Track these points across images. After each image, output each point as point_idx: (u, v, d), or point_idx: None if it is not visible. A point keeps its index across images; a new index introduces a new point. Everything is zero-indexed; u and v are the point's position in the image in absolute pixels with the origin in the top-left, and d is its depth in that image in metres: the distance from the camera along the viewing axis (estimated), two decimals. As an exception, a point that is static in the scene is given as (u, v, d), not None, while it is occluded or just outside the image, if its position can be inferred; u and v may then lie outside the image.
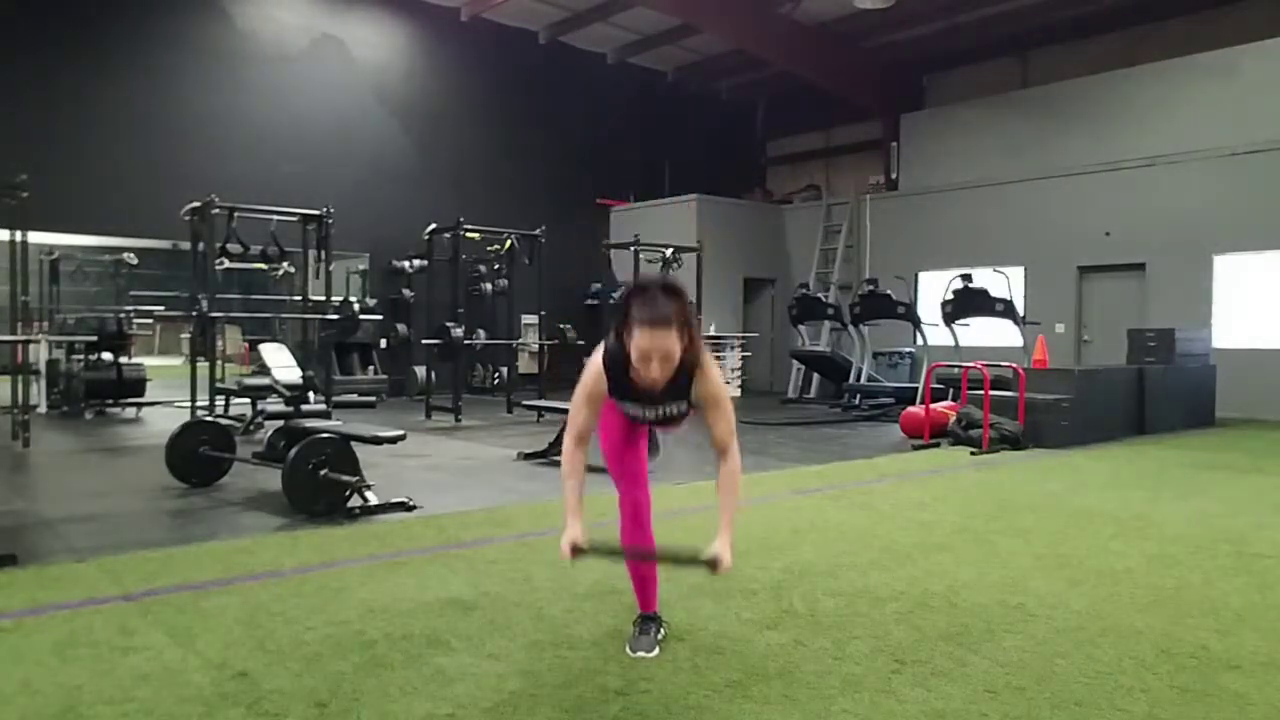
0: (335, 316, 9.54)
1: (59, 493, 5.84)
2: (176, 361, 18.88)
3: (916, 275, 14.51)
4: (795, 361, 14.61)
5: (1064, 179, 13.32)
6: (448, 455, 7.66)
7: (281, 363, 7.05)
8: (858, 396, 12.01)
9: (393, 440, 5.18)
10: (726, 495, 2.66)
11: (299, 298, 10.09)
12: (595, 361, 2.65)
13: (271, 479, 5.60)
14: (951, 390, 10.03)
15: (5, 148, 10.51)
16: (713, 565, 2.52)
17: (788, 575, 3.84)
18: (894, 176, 16.18)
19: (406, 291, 14.02)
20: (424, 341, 11.29)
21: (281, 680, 2.65)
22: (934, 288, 13.06)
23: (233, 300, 15.71)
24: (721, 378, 2.69)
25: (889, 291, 11.77)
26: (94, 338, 10.83)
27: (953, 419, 8.62)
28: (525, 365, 14.53)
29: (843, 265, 15.85)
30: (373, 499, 5.12)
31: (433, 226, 11.20)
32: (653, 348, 2.44)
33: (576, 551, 2.53)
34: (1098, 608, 3.42)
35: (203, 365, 9.08)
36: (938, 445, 8.38)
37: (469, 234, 10.99)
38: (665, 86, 17.65)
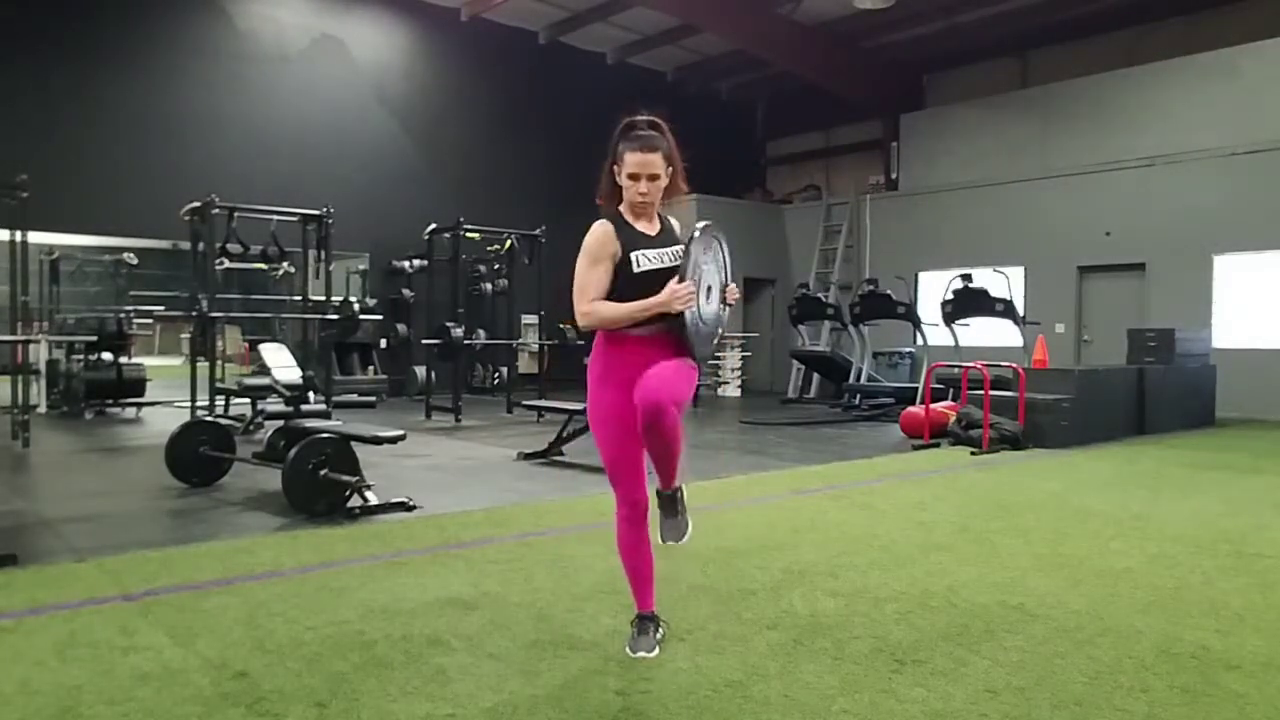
0: (335, 316, 9.53)
1: (59, 493, 5.84)
2: (176, 361, 18.89)
3: (916, 275, 14.51)
4: (795, 361, 14.61)
5: (1064, 179, 13.33)
6: (448, 455, 7.66)
7: (281, 363, 7.05)
8: (858, 396, 12.00)
9: (393, 440, 5.18)
10: None
11: (299, 298, 10.10)
12: (594, 229, 2.83)
13: (271, 479, 5.60)
14: (951, 390, 10.03)
15: (5, 148, 10.51)
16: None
17: (788, 575, 3.84)
18: (894, 176, 16.18)
19: (406, 291, 14.03)
20: (424, 341, 11.29)
21: (281, 680, 2.65)
22: (934, 288, 13.07)
23: (233, 300, 15.71)
24: None
25: (889, 291, 11.77)
26: (94, 338, 10.82)
27: (953, 419, 8.62)
28: (525, 365, 14.53)
29: (843, 265, 15.85)
30: (373, 499, 5.12)
31: (433, 226, 11.20)
32: (641, 167, 2.75)
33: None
34: (1098, 608, 3.42)
35: (203, 365, 9.08)
36: (938, 445, 8.38)
37: (469, 234, 11.00)
38: (665, 86, 17.65)
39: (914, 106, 16.35)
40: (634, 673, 2.72)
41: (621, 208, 2.85)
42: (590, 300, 2.76)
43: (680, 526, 2.98)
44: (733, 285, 3.00)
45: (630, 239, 2.81)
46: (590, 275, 2.78)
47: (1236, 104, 12.01)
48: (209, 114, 12.56)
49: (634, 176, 2.76)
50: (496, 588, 3.62)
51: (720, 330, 3.02)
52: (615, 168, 2.81)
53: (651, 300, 2.71)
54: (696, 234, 2.84)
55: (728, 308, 3.00)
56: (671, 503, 2.98)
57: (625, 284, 2.77)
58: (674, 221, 2.97)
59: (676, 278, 2.73)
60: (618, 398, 2.79)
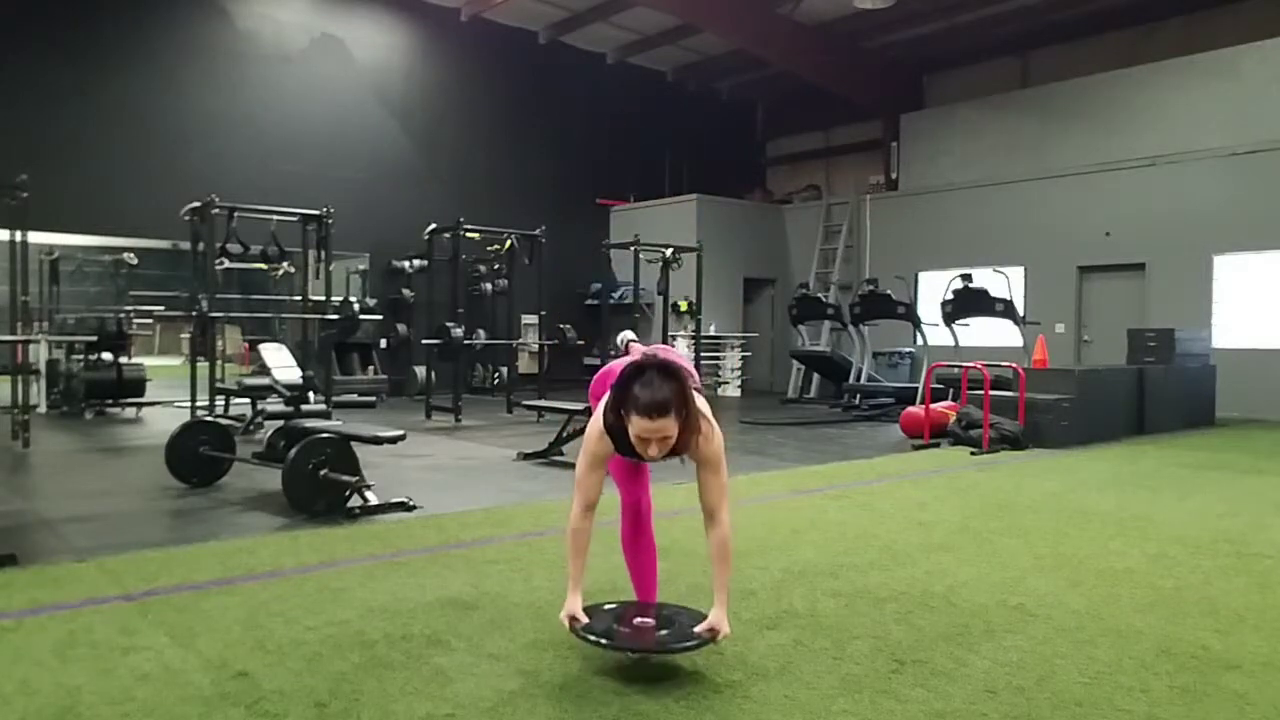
0: (335, 316, 9.53)
1: (59, 493, 5.83)
2: (176, 361, 18.87)
3: (916, 275, 14.51)
4: (795, 361, 14.61)
5: (1064, 179, 13.33)
6: (448, 455, 7.66)
7: (281, 363, 7.05)
8: (858, 396, 12.00)
9: (393, 440, 5.18)
10: (719, 564, 2.67)
11: (299, 298, 10.10)
12: (597, 427, 2.65)
13: (271, 479, 5.60)
14: (951, 390, 10.03)
15: (5, 148, 10.51)
16: (713, 634, 2.64)
17: (788, 575, 3.84)
18: (894, 176, 16.18)
19: (406, 291, 14.03)
20: (424, 341, 11.29)
21: (281, 680, 2.65)
22: (934, 288, 13.07)
23: (233, 300, 15.70)
24: (721, 441, 2.65)
25: (889, 291, 11.77)
26: (94, 338, 10.82)
27: (953, 419, 8.62)
28: (525, 365, 14.53)
29: (843, 265, 15.85)
30: (373, 499, 5.12)
31: (433, 226, 11.20)
32: (651, 434, 2.47)
33: (573, 624, 2.65)
34: (1098, 608, 3.42)
35: (203, 365, 9.08)
36: (938, 445, 8.38)
37: (469, 234, 10.99)
38: (665, 86, 17.66)
39: (914, 106, 16.35)
40: (634, 673, 2.72)
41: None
42: (583, 503, 2.67)
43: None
44: (715, 626, 2.63)
45: (626, 451, 2.64)
46: (586, 474, 2.68)
47: (1237, 104, 12.01)
48: (209, 114, 12.56)
49: (643, 441, 2.49)
50: (496, 588, 3.62)
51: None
52: (622, 412, 2.52)
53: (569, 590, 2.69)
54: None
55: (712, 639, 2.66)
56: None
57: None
58: (703, 436, 2.59)
59: (578, 622, 2.63)
60: None
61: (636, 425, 2.47)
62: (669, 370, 2.49)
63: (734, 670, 2.76)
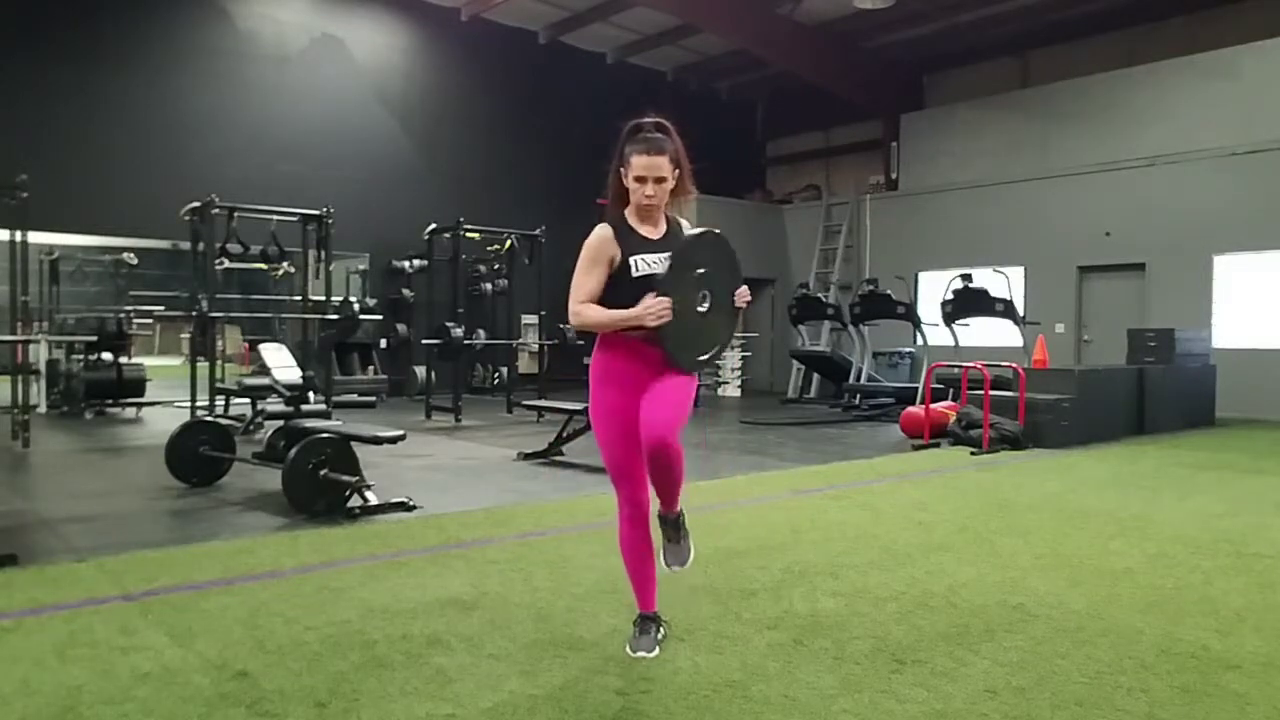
0: (335, 316, 9.53)
1: (59, 493, 5.84)
2: (176, 361, 18.88)
3: (916, 275, 14.51)
4: (795, 361, 14.61)
5: (1064, 179, 13.32)
6: (448, 455, 7.66)
7: (281, 363, 7.05)
8: (858, 396, 12.00)
9: (393, 440, 5.18)
10: None
11: (299, 298, 10.10)
12: (595, 232, 2.85)
13: (271, 479, 5.60)
14: (951, 390, 10.02)
15: (5, 148, 10.51)
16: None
17: (788, 575, 3.84)
18: (894, 176, 16.17)
19: (406, 291, 14.03)
20: (424, 341, 11.29)
21: (281, 680, 2.65)
22: (934, 288, 13.07)
23: (233, 300, 15.71)
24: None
25: (889, 291, 11.77)
26: (94, 338, 10.82)
27: (953, 419, 8.62)
28: (525, 365, 14.53)
29: (843, 265, 15.85)
30: (373, 499, 5.12)
31: (433, 226, 11.20)
32: (648, 170, 2.76)
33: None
34: (1098, 608, 3.42)
35: (203, 365, 9.09)
36: (938, 445, 8.38)
37: (469, 234, 11.00)
38: (665, 86, 17.65)
39: (914, 106, 16.35)
40: (634, 673, 2.72)
41: (627, 211, 2.87)
42: (580, 301, 2.79)
43: (682, 552, 2.98)
44: (743, 289, 2.92)
45: (630, 243, 2.81)
46: (584, 277, 2.80)
47: (1237, 104, 12.01)
48: (209, 114, 12.56)
49: (640, 179, 2.77)
50: (496, 588, 3.62)
51: (725, 336, 2.96)
52: (622, 170, 2.83)
53: (629, 312, 2.70)
54: (688, 241, 2.81)
55: (738, 312, 2.96)
56: (674, 528, 2.97)
57: (624, 288, 2.77)
58: (684, 223, 2.96)
59: (653, 291, 2.70)
60: (618, 397, 2.80)
61: (635, 166, 2.78)
62: (662, 125, 2.84)
63: (734, 670, 2.76)
